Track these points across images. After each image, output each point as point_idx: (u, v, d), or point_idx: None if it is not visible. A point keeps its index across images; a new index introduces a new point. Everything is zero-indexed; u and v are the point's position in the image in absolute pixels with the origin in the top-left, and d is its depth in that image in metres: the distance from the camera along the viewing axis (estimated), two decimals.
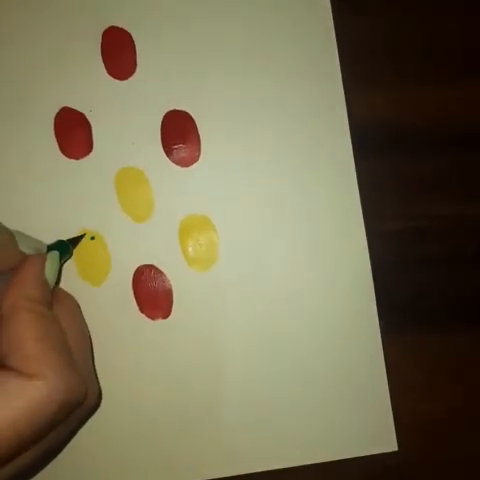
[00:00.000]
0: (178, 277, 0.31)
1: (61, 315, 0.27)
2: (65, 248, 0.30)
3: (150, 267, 0.31)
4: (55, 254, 0.29)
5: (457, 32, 0.34)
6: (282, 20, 0.33)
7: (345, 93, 0.32)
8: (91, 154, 0.32)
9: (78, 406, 0.25)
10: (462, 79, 0.33)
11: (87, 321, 0.30)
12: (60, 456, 0.31)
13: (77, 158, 0.32)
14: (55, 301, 0.27)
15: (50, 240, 0.30)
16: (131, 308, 0.31)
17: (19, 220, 0.31)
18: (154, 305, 0.31)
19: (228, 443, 0.31)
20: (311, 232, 0.32)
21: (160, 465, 0.31)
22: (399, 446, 0.31)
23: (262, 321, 0.31)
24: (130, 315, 0.31)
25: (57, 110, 0.32)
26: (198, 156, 0.32)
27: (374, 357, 0.31)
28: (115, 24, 0.33)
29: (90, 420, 0.31)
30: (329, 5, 0.33)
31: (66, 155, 0.32)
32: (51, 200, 0.32)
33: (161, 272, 0.31)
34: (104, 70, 0.32)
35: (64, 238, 0.30)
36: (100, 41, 0.33)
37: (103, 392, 0.31)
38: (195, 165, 0.32)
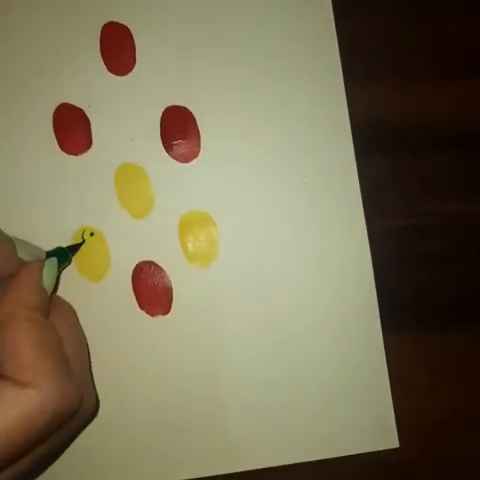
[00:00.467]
0: (178, 273, 0.31)
1: (58, 322, 0.27)
2: (64, 255, 0.30)
3: (150, 263, 0.31)
4: (53, 261, 0.28)
5: (457, 31, 0.34)
6: (283, 17, 0.33)
7: (346, 92, 0.32)
8: (90, 150, 0.32)
9: (73, 415, 0.25)
10: (462, 78, 0.33)
11: (86, 318, 0.30)
12: (61, 457, 0.30)
13: (76, 154, 0.32)
14: (52, 308, 0.27)
15: (49, 236, 0.30)
16: (131, 305, 0.31)
17: (18, 217, 0.31)
18: (154, 301, 0.31)
19: (229, 440, 0.31)
20: (312, 229, 0.32)
21: (161, 462, 0.31)
22: (400, 443, 0.31)
23: (262, 318, 0.31)
24: (130, 312, 0.31)
25: (56, 106, 0.32)
26: (198, 152, 0.32)
27: (375, 354, 0.31)
28: (114, 19, 0.33)
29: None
30: (330, 3, 0.33)
31: (65, 151, 0.32)
32: (50, 196, 0.32)
33: (161, 268, 0.31)
34: (103, 66, 0.32)
35: (62, 235, 0.31)
36: (99, 36, 0.32)
37: (103, 389, 0.31)
38: (195, 161, 0.32)
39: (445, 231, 0.33)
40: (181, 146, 0.32)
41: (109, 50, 0.32)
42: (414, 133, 0.33)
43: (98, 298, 0.31)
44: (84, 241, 0.31)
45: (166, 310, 0.31)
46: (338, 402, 0.31)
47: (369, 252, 0.32)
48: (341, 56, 0.33)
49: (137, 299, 0.31)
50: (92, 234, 0.31)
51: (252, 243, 0.32)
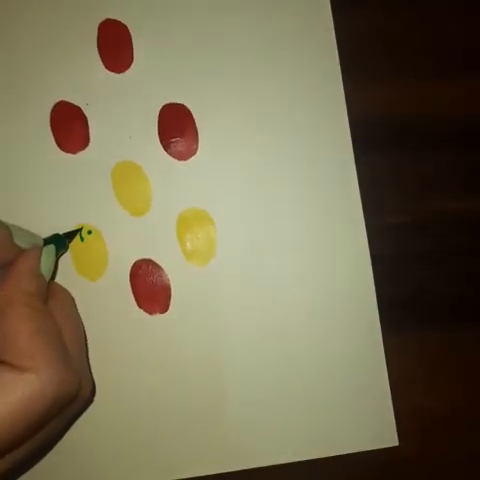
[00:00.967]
0: (176, 271, 0.31)
1: (56, 309, 0.27)
2: (61, 242, 0.30)
3: (148, 261, 0.31)
4: (51, 248, 0.28)
5: (457, 28, 0.34)
6: (281, 15, 0.33)
7: (345, 89, 0.32)
8: (88, 148, 0.32)
9: (72, 400, 0.25)
10: (462, 76, 0.33)
11: (84, 316, 0.30)
12: (60, 451, 0.30)
13: (74, 152, 0.32)
14: (50, 295, 0.27)
15: (47, 234, 0.30)
16: (129, 303, 0.31)
17: (15, 214, 0.31)
18: (152, 300, 0.31)
19: (227, 439, 0.31)
20: (310, 227, 0.32)
21: (157, 461, 0.31)
22: (400, 442, 0.31)
23: (261, 317, 0.31)
24: (128, 310, 0.31)
25: (53, 104, 0.32)
26: (196, 149, 0.32)
27: (374, 352, 0.31)
28: (111, 17, 0.32)
29: (89, 416, 0.30)
30: (328, 2, 0.33)
31: (63, 149, 0.32)
32: (48, 194, 0.32)
33: (159, 266, 0.31)
34: (100, 63, 0.32)
35: (61, 232, 0.30)
36: (96, 34, 0.32)
37: (101, 387, 0.31)
38: (193, 158, 0.32)
39: (445, 229, 0.32)
40: (179, 144, 0.32)
41: (107, 48, 0.32)
42: (414, 131, 0.33)
43: (96, 297, 0.31)
44: (81, 228, 0.31)
45: (164, 308, 0.31)
46: (337, 400, 0.31)
47: (368, 250, 0.32)
48: (341, 55, 0.33)
49: (135, 297, 0.31)
50: (90, 232, 0.31)
51: (250, 241, 0.32)
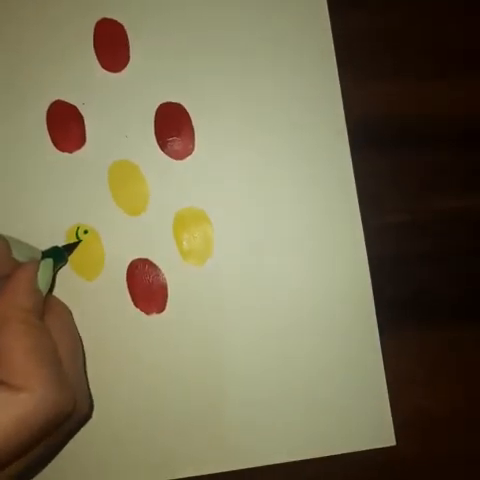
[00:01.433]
0: (173, 271, 0.31)
1: (52, 324, 0.27)
2: (60, 254, 0.30)
3: (144, 261, 0.31)
4: (48, 262, 0.28)
5: (457, 28, 0.33)
6: (278, 14, 0.33)
7: (345, 89, 0.32)
8: (84, 147, 0.32)
9: (66, 418, 0.25)
10: (462, 75, 0.33)
11: (81, 317, 0.30)
12: (59, 450, 0.30)
13: (70, 151, 0.32)
14: (47, 309, 0.27)
15: (44, 234, 0.30)
16: (125, 303, 0.31)
17: (11, 214, 0.31)
18: (149, 299, 0.31)
19: (225, 438, 0.31)
20: (308, 227, 0.32)
21: (155, 461, 0.30)
22: (397, 442, 0.31)
23: (258, 317, 0.31)
24: (125, 310, 0.31)
25: (49, 103, 0.32)
26: (192, 149, 0.32)
27: (372, 352, 0.31)
28: (107, 16, 0.32)
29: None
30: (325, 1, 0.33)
31: (59, 148, 0.32)
32: (44, 194, 0.31)
33: (155, 266, 0.31)
34: (97, 62, 0.32)
35: (57, 232, 0.30)
36: (93, 33, 0.32)
37: (99, 388, 0.30)
38: (189, 158, 0.32)
39: (445, 228, 0.32)
40: (175, 143, 0.32)
41: (103, 47, 0.32)
42: (414, 131, 0.33)
43: (92, 296, 0.31)
44: (80, 240, 0.31)
45: (161, 308, 0.31)
46: (335, 400, 0.31)
47: (365, 249, 0.31)
48: (340, 55, 0.33)
49: (132, 297, 0.31)
50: (86, 232, 0.31)
51: (247, 240, 0.31)
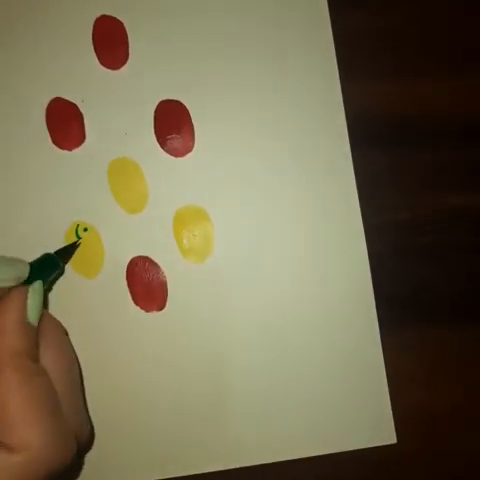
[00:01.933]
0: (173, 269, 0.31)
1: (46, 351, 0.25)
2: (53, 263, 0.27)
3: (144, 259, 0.31)
4: (37, 287, 0.25)
5: (457, 27, 0.33)
6: (278, 13, 0.32)
7: (344, 85, 0.32)
8: (83, 145, 0.32)
9: (66, 466, 0.24)
10: (462, 74, 0.33)
11: (81, 315, 0.30)
12: None
13: (69, 149, 0.32)
14: (39, 335, 0.25)
15: (42, 233, 0.30)
16: (125, 300, 0.31)
17: (10, 212, 0.31)
18: (149, 297, 0.31)
19: (226, 437, 0.30)
20: (308, 225, 0.32)
21: (155, 459, 0.30)
22: (398, 440, 0.31)
23: (258, 314, 0.31)
24: (124, 307, 0.31)
25: (49, 101, 0.32)
26: (192, 146, 0.32)
27: (372, 350, 0.31)
28: (107, 13, 0.32)
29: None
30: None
31: (58, 146, 0.32)
32: (43, 192, 0.31)
33: (155, 264, 0.31)
34: (96, 60, 0.32)
35: (56, 230, 0.30)
36: (92, 30, 0.32)
37: (99, 385, 0.30)
38: (189, 155, 0.32)
39: (445, 226, 0.32)
40: (175, 140, 0.32)
41: (102, 44, 0.32)
42: (413, 129, 0.33)
43: (92, 294, 0.31)
44: (76, 242, 0.30)
45: (161, 306, 0.31)
46: (335, 398, 0.31)
47: (365, 247, 0.31)
48: (341, 54, 0.32)
49: (132, 295, 0.31)
50: (86, 230, 0.31)
51: (247, 238, 0.31)
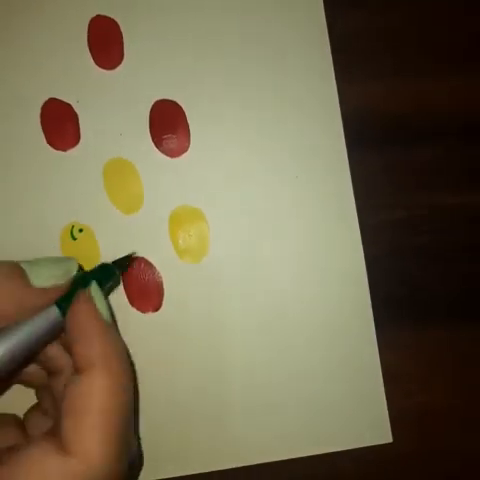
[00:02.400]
0: (169, 269, 0.31)
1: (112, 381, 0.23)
2: (109, 273, 0.27)
3: (140, 259, 0.31)
4: (94, 287, 0.24)
5: (457, 26, 0.33)
6: (274, 14, 0.32)
7: (343, 85, 0.32)
8: (78, 145, 0.32)
9: None
10: (462, 74, 0.33)
11: None
12: None
13: (64, 150, 0.32)
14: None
15: (37, 234, 0.30)
16: (121, 301, 0.31)
17: (5, 213, 0.31)
18: (144, 298, 0.31)
19: (225, 436, 0.30)
20: (303, 224, 0.32)
21: (154, 459, 0.30)
22: (394, 439, 0.31)
23: (254, 314, 0.31)
24: (120, 308, 0.31)
25: (43, 101, 0.32)
26: (187, 146, 0.32)
27: (368, 350, 0.31)
28: (101, 13, 0.32)
29: None
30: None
31: (53, 147, 0.32)
32: (38, 193, 0.31)
33: (151, 264, 0.31)
34: (91, 60, 0.32)
35: (51, 231, 0.30)
36: (87, 30, 0.32)
37: None
38: (185, 155, 0.32)
39: (441, 225, 0.32)
40: (171, 141, 0.32)
41: (97, 44, 0.32)
42: (411, 128, 0.33)
43: None
44: (134, 253, 0.30)
45: (157, 306, 0.31)
46: (331, 398, 0.31)
47: (361, 246, 0.31)
48: (339, 53, 0.32)
49: (127, 296, 0.31)
50: (81, 230, 0.31)
51: (243, 238, 0.31)
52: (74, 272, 0.25)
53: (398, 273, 0.32)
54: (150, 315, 0.31)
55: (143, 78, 0.32)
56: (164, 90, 0.32)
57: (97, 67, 0.32)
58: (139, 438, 0.29)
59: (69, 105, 0.32)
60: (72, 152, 0.32)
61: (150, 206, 0.31)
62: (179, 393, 0.31)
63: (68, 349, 0.25)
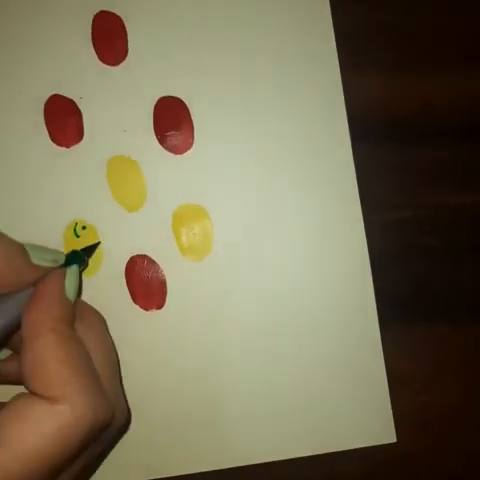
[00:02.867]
0: (172, 267, 0.31)
1: (86, 334, 0.26)
2: (80, 259, 0.28)
3: (143, 257, 0.31)
4: (74, 268, 0.27)
5: (458, 21, 0.33)
6: (279, 8, 0.32)
7: (345, 83, 0.32)
8: (82, 142, 0.31)
9: (106, 427, 0.24)
10: (464, 68, 0.33)
11: None
12: None
13: (68, 146, 0.31)
14: (79, 318, 0.26)
15: (40, 231, 0.30)
16: (124, 299, 0.31)
17: (8, 210, 0.31)
18: (148, 296, 0.31)
19: (225, 436, 0.30)
20: (308, 223, 0.31)
21: (154, 459, 0.30)
22: (398, 438, 0.31)
23: (258, 313, 0.31)
24: (123, 306, 0.31)
25: (47, 97, 0.32)
26: (191, 143, 0.32)
27: (373, 349, 0.31)
28: (106, 8, 0.32)
29: None
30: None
31: (56, 143, 0.31)
32: (41, 190, 0.31)
33: (154, 262, 0.31)
34: (95, 56, 0.32)
35: (54, 229, 0.30)
36: (90, 26, 0.32)
37: None
38: (189, 152, 0.32)
39: (446, 224, 0.32)
40: (174, 137, 0.32)
41: (101, 40, 0.32)
42: (415, 125, 0.33)
43: (91, 293, 0.31)
44: (99, 242, 0.31)
45: (160, 304, 0.31)
46: (335, 397, 0.31)
47: (366, 245, 0.31)
48: (341, 45, 0.32)
49: (131, 293, 0.31)
50: (84, 228, 0.31)
51: (247, 236, 0.31)
52: (62, 261, 0.27)
53: (403, 273, 0.32)
54: (153, 312, 0.31)
55: (147, 74, 0.32)
56: (168, 86, 0.32)
57: (101, 63, 0.32)
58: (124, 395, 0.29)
59: (73, 101, 0.32)
60: (75, 149, 0.31)
61: (153, 203, 0.31)
62: (179, 391, 0.31)
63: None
